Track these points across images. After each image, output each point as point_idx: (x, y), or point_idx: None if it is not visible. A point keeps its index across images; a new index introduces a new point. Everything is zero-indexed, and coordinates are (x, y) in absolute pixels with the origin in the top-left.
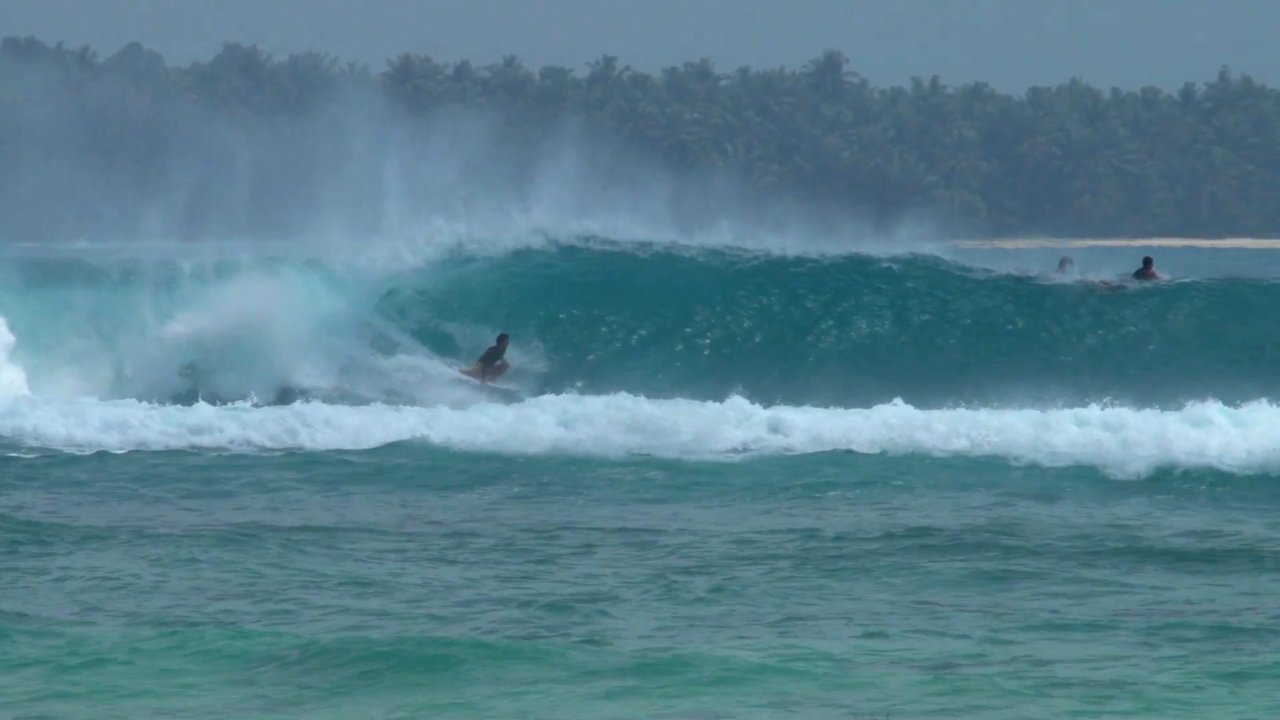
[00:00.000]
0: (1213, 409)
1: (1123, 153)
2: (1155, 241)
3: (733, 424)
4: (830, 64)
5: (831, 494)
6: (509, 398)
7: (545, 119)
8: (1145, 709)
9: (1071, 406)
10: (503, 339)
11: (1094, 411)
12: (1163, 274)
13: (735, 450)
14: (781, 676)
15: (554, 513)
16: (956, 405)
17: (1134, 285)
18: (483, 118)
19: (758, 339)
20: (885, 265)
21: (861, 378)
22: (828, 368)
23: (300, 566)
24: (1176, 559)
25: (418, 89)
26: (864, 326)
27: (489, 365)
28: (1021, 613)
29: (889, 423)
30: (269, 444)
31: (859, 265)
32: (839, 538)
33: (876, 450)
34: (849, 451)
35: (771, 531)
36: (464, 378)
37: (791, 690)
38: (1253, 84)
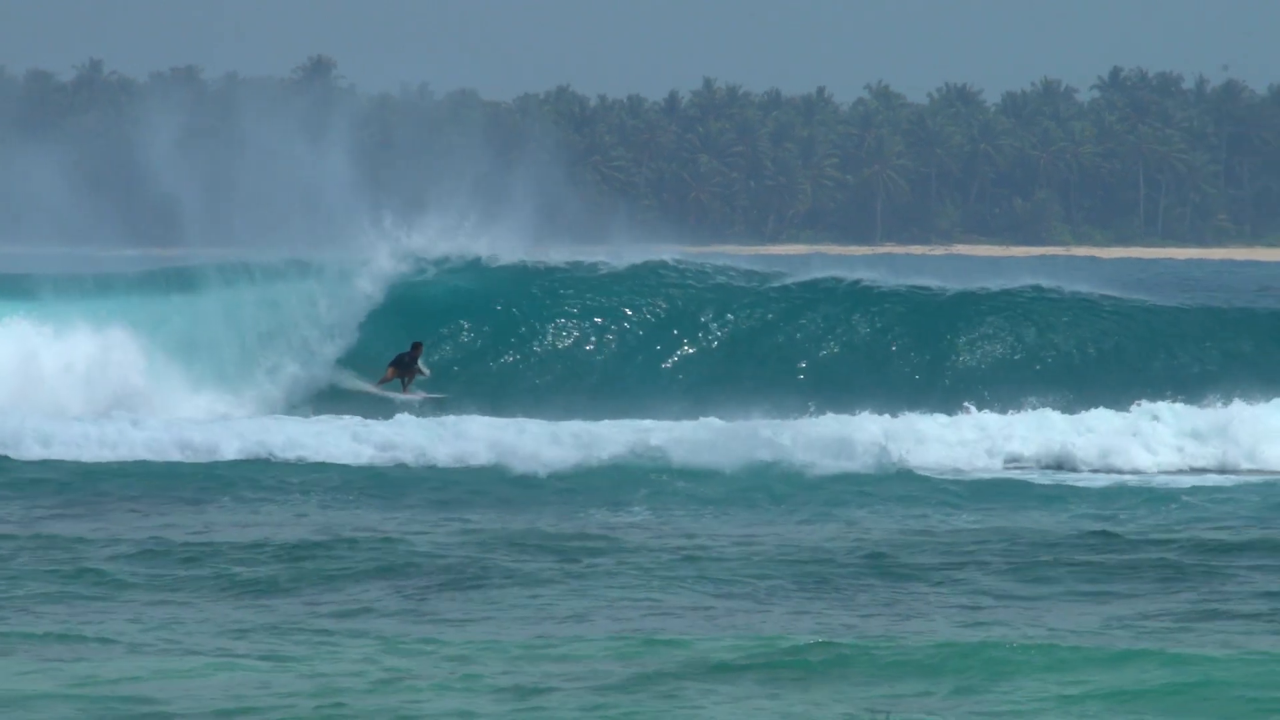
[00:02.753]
0: None
1: (609, 159)
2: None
3: None
4: (319, 68)
5: None
6: (436, 405)
7: None
8: None
9: None
10: (416, 346)
11: None
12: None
13: None
14: None
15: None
16: None
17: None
18: None
19: None
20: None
21: None
22: None
23: None
24: None
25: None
26: None
27: (404, 371)
28: None
29: None
30: None
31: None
32: None
33: None
34: None
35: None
36: (376, 390)
37: None
38: (737, 92)
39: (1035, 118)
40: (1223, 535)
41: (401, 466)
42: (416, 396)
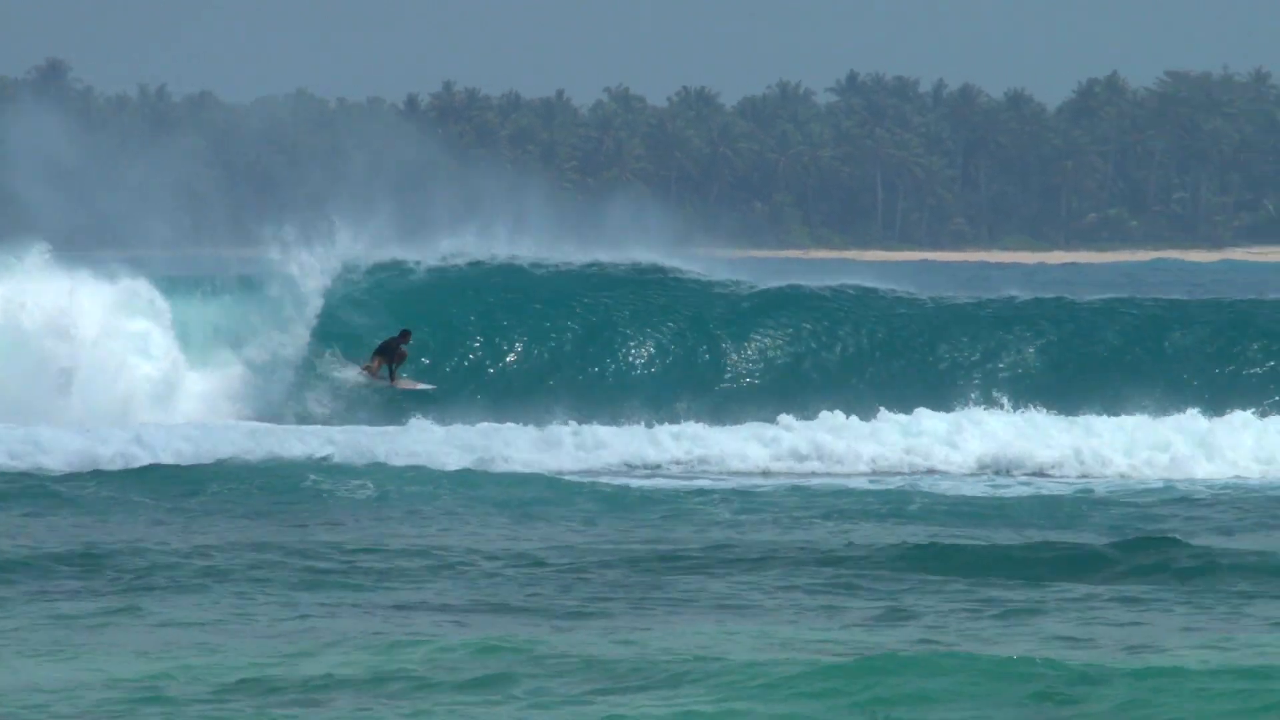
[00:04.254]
0: None
1: (348, 161)
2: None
3: None
4: (53, 70)
5: None
6: (419, 395)
7: None
8: None
9: None
10: (405, 334)
11: None
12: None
13: None
14: None
15: None
16: None
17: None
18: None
19: None
20: None
21: None
22: None
23: None
24: None
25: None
26: None
27: (390, 359)
28: None
29: None
30: None
31: None
32: None
33: None
34: None
35: None
36: (364, 377)
37: None
38: (476, 95)
39: (773, 121)
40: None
41: None
42: (403, 385)
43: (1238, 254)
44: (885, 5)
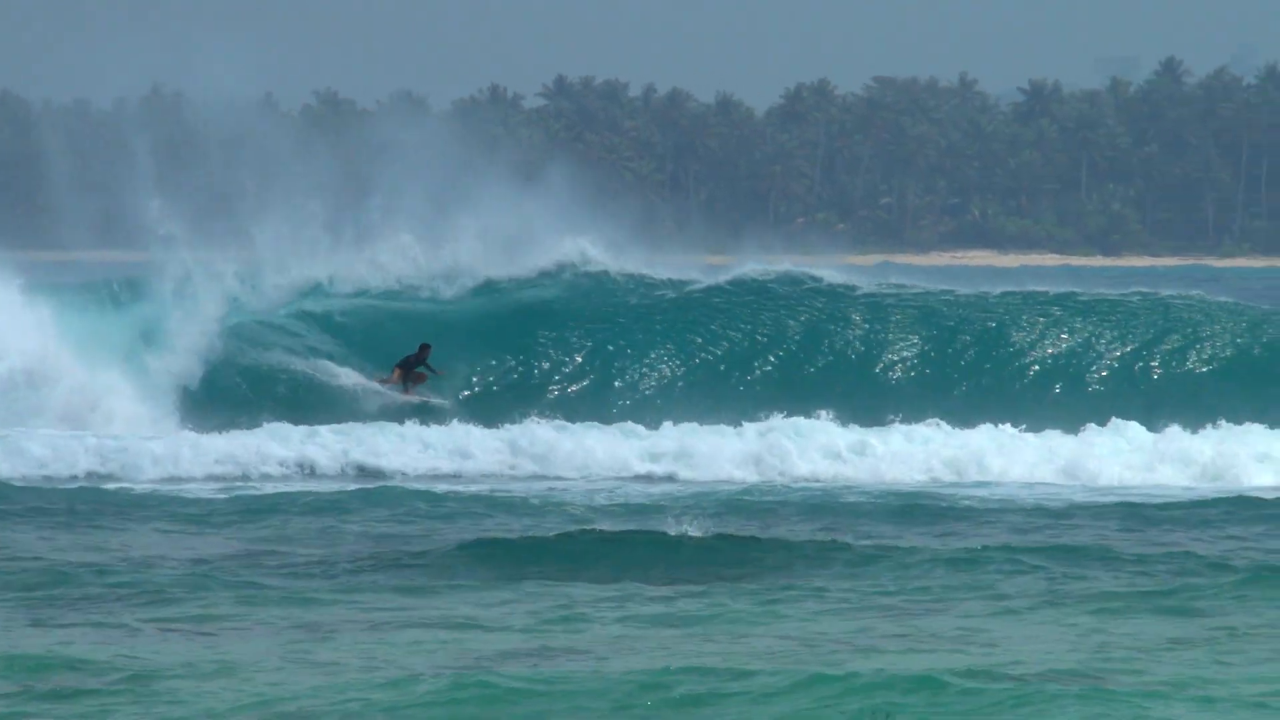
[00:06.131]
0: None
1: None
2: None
3: None
4: None
5: None
6: (431, 409)
7: None
8: None
9: None
10: (424, 348)
11: None
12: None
13: None
14: None
15: None
16: None
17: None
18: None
19: None
20: None
21: None
22: None
23: None
24: None
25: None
26: None
27: (408, 373)
28: None
29: None
30: None
31: None
32: None
33: None
34: None
35: None
36: (381, 387)
37: None
38: (183, 97)
39: (484, 124)
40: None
41: None
42: (417, 399)
43: (944, 259)
44: (594, 11)
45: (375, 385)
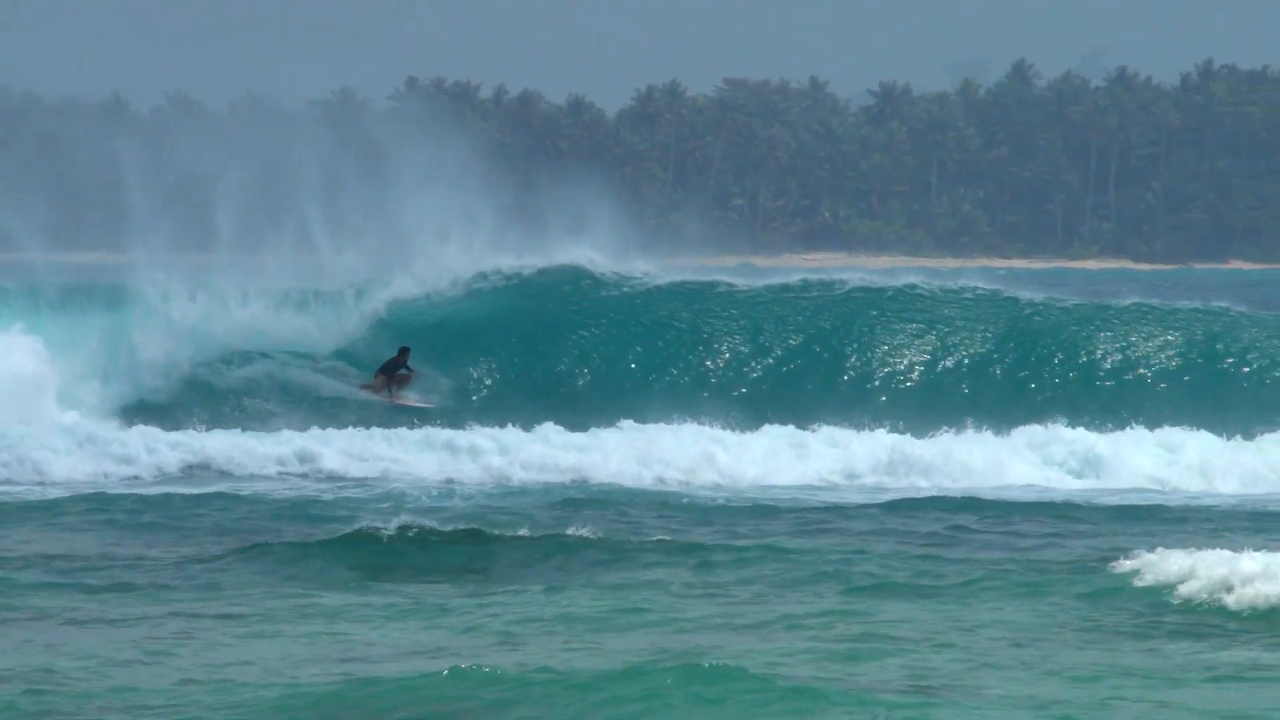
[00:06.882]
0: None
1: None
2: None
3: None
4: None
5: None
6: (418, 412)
7: None
8: None
9: None
10: (404, 351)
11: None
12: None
13: None
14: None
15: None
16: None
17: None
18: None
19: None
20: None
21: None
22: None
23: None
24: None
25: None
26: None
27: (391, 378)
28: None
29: None
30: None
31: None
32: None
33: None
34: None
35: None
36: (365, 394)
37: None
38: (31, 96)
39: (337, 126)
40: None
41: None
42: (405, 402)
43: (795, 260)
44: (444, 12)
45: (361, 394)
